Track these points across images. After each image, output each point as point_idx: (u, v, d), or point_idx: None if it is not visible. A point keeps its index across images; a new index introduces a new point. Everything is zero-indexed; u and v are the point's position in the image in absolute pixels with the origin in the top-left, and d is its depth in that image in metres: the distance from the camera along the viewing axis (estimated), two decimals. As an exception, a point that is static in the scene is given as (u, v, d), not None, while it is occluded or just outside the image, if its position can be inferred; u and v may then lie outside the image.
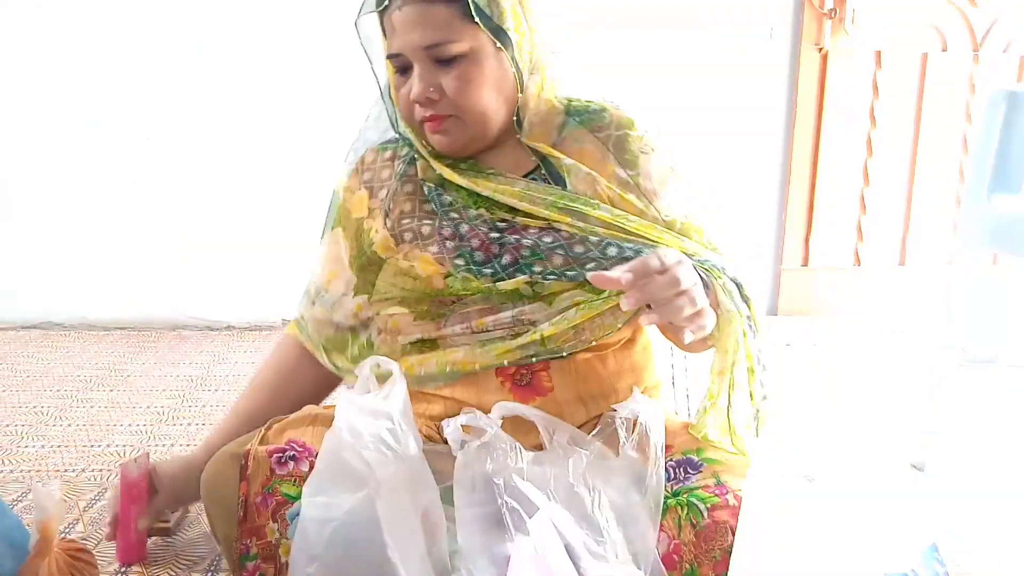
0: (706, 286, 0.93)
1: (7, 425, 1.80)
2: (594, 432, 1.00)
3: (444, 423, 0.89)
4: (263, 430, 1.04)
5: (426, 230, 1.07)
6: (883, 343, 2.89)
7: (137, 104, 2.64)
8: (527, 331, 1.02)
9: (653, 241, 1.01)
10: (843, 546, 0.74)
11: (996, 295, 2.63)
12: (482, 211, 1.05)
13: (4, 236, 2.68)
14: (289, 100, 2.67)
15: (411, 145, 1.11)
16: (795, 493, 0.79)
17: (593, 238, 1.01)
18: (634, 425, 0.99)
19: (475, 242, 1.04)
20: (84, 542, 1.21)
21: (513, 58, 1.03)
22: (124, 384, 2.13)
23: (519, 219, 1.04)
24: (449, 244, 1.05)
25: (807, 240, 3.01)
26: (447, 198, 1.08)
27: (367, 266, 1.13)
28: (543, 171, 1.07)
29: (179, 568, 1.19)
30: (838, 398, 2.15)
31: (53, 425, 1.81)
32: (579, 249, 1.01)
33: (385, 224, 1.10)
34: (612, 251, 1.00)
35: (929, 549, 0.77)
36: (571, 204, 1.02)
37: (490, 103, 1.03)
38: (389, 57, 1.03)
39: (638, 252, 0.99)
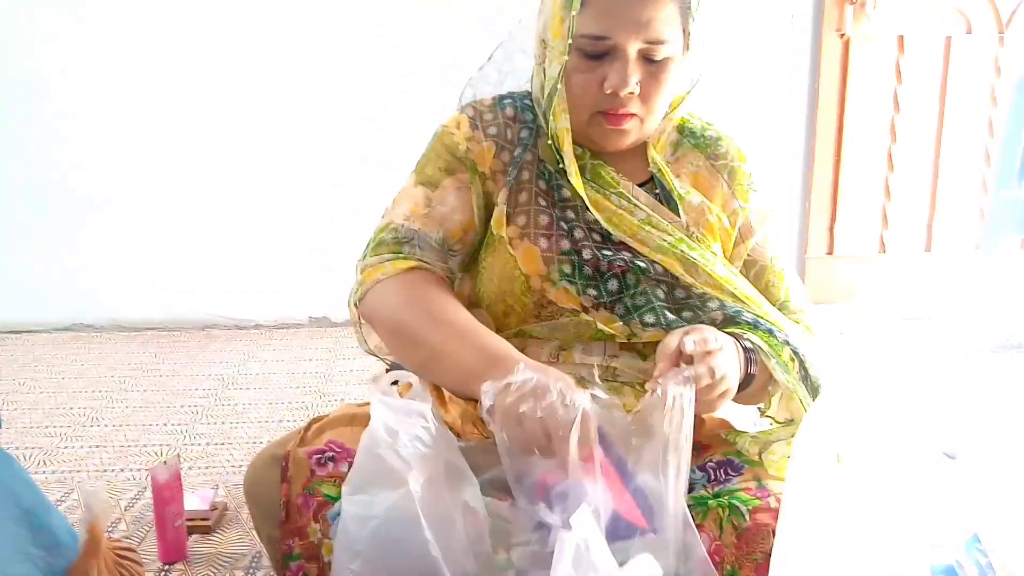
0: (750, 361, 0.95)
1: (46, 427, 1.84)
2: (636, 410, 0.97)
3: (482, 386, 0.87)
4: (302, 430, 1.06)
5: (543, 220, 1.00)
6: (910, 330, 2.86)
7: (164, 103, 2.67)
8: (609, 378, 0.99)
9: (756, 315, 1.00)
10: (886, 541, 0.74)
11: (1025, 280, 2.60)
12: (600, 218, 1.00)
13: (34, 240, 2.72)
14: (321, 105, 2.70)
15: (550, 143, 1.02)
16: (835, 489, 0.79)
17: (697, 290, 0.99)
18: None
19: (586, 253, 0.99)
20: (128, 541, 1.24)
21: (688, 69, 1.01)
22: (157, 384, 2.16)
23: (634, 243, 0.99)
24: (563, 244, 0.99)
25: (831, 228, 2.99)
26: (566, 193, 1.01)
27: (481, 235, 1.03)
28: (656, 186, 1.04)
29: (221, 566, 1.21)
30: (867, 387, 2.14)
31: (90, 426, 1.85)
32: (680, 293, 1.00)
33: (508, 199, 1.01)
34: (712, 304, 0.99)
35: (971, 540, 0.77)
36: (687, 253, 0.98)
37: (664, 110, 1.01)
38: (586, 37, 0.94)
39: (738, 313, 0.99)
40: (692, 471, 1.01)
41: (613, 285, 0.99)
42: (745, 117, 2.86)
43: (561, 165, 1.01)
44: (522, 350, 1.00)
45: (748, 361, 0.96)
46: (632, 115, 0.98)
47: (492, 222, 1.01)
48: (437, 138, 1.07)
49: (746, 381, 0.96)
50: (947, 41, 2.88)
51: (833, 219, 2.99)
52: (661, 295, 0.99)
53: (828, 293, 2.98)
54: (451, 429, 1.07)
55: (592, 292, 0.99)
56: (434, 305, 0.95)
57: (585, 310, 0.99)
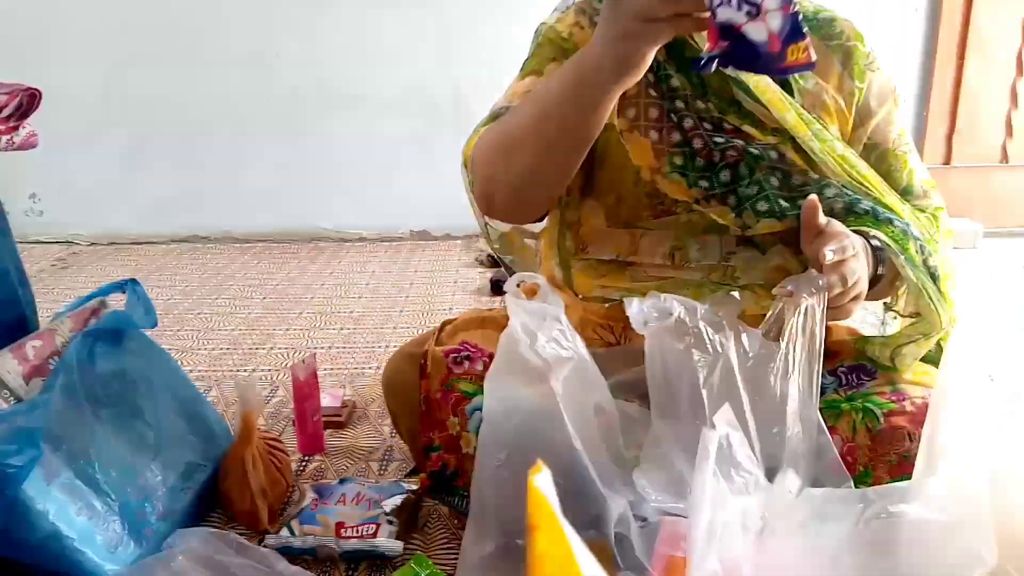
0: (880, 261, 0.94)
1: (177, 330, 1.96)
2: (766, 321, 0.97)
3: (627, 301, 0.90)
4: (436, 331, 1.10)
5: (653, 112, 0.98)
6: (1033, 245, 2.73)
7: (271, 29, 2.72)
8: (728, 282, 0.99)
9: (874, 200, 0.97)
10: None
11: None
12: (710, 105, 0.98)
13: (154, 157, 2.84)
14: (427, 20, 2.71)
15: None
16: (982, 396, 0.78)
17: (814, 175, 0.97)
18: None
19: (697, 143, 0.97)
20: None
21: None
22: (274, 293, 2.26)
23: (747, 127, 0.97)
24: (674, 136, 0.98)
25: (950, 136, 2.84)
26: (675, 82, 0.99)
27: None
28: None
29: (356, 457, 1.29)
30: (986, 301, 2.07)
31: (219, 330, 1.96)
32: (797, 180, 0.97)
33: None
34: (830, 192, 0.97)
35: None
36: (809, 124, 0.96)
37: None
38: None
39: (855, 201, 0.96)
40: (823, 376, 1.02)
41: (726, 176, 0.97)
42: (859, 14, 2.70)
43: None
44: (636, 244, 1.02)
45: (877, 261, 0.94)
46: None
47: None
48: (540, 35, 1.06)
49: (874, 280, 0.95)
50: (1095, -73, 2.63)
51: (952, 126, 2.83)
52: (775, 183, 0.97)
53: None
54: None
55: (704, 184, 0.97)
56: (522, 103, 0.96)
57: (697, 202, 0.98)
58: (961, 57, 2.76)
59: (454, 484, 1.01)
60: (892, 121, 1.05)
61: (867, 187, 0.98)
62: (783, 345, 0.92)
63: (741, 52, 0.75)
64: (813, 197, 0.88)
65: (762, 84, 0.96)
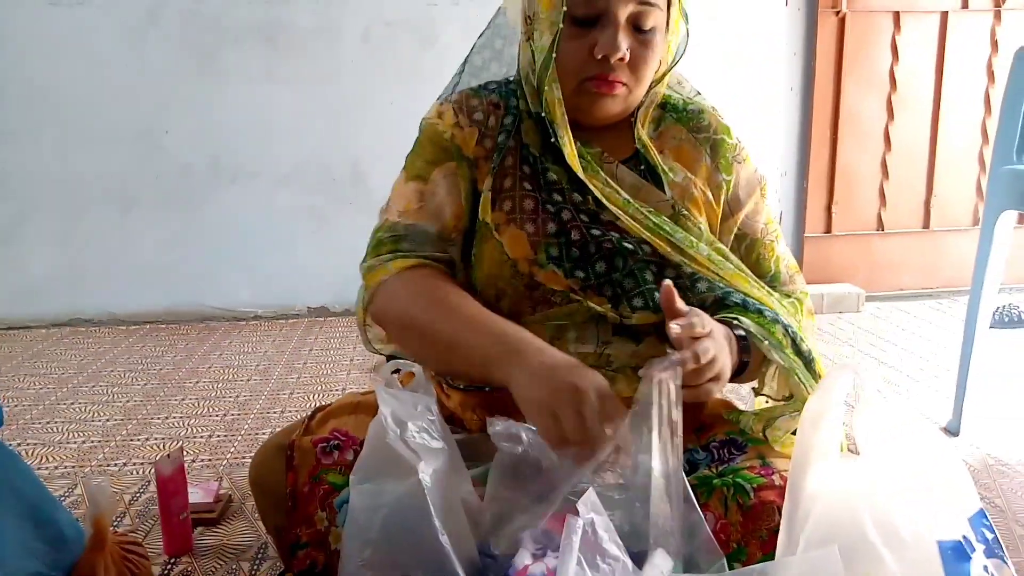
0: (743, 349, 0.95)
1: (47, 422, 1.84)
2: (634, 402, 0.96)
3: (489, 422, 0.88)
4: (306, 420, 1.05)
5: (529, 204, 1.00)
6: (910, 308, 2.87)
7: (145, 104, 2.66)
8: (603, 366, 0.99)
9: (744, 295, 1.00)
10: (893, 518, 0.74)
11: (1024, 255, 2.60)
12: (588, 198, 0.99)
13: (30, 235, 2.71)
14: (322, 95, 2.70)
15: (539, 118, 1.01)
16: (840, 467, 0.79)
17: (687, 269, 0.99)
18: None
19: (574, 234, 0.98)
20: (133, 535, 1.24)
21: (671, 44, 1.01)
22: (157, 378, 2.16)
23: (622, 221, 0.99)
24: (550, 226, 0.99)
25: (829, 207, 2.99)
26: (552, 175, 1.00)
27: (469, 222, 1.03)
28: (640, 162, 1.04)
29: (227, 557, 1.21)
30: (867, 364, 2.14)
31: (92, 421, 1.84)
32: (670, 274, 0.98)
33: (493, 185, 1.00)
34: (702, 285, 0.99)
35: (976, 515, 0.77)
36: (671, 235, 0.98)
37: (648, 82, 1.01)
38: (579, 1, 0.94)
39: (727, 294, 0.99)
40: (696, 451, 1.02)
41: (601, 267, 0.99)
42: (741, 96, 2.86)
43: (553, 139, 1.00)
44: None
45: (741, 349, 0.96)
46: (621, 83, 0.97)
47: (479, 209, 1.01)
48: (422, 131, 1.07)
49: (740, 367, 0.96)
50: (943, 16, 2.87)
51: (831, 198, 2.99)
52: (650, 277, 0.99)
53: (827, 272, 2.98)
54: (452, 416, 1.08)
55: (580, 274, 0.98)
56: (442, 297, 0.95)
57: (574, 291, 0.98)
58: (835, 133, 2.93)
59: (323, 584, 0.95)
60: (760, 211, 1.09)
61: (734, 285, 1.01)
62: (640, 424, 0.92)
63: None
64: (667, 282, 0.89)
65: (631, 197, 0.99)
